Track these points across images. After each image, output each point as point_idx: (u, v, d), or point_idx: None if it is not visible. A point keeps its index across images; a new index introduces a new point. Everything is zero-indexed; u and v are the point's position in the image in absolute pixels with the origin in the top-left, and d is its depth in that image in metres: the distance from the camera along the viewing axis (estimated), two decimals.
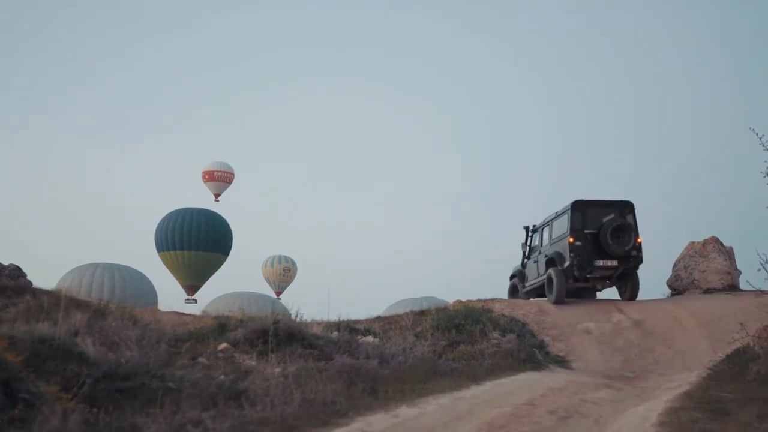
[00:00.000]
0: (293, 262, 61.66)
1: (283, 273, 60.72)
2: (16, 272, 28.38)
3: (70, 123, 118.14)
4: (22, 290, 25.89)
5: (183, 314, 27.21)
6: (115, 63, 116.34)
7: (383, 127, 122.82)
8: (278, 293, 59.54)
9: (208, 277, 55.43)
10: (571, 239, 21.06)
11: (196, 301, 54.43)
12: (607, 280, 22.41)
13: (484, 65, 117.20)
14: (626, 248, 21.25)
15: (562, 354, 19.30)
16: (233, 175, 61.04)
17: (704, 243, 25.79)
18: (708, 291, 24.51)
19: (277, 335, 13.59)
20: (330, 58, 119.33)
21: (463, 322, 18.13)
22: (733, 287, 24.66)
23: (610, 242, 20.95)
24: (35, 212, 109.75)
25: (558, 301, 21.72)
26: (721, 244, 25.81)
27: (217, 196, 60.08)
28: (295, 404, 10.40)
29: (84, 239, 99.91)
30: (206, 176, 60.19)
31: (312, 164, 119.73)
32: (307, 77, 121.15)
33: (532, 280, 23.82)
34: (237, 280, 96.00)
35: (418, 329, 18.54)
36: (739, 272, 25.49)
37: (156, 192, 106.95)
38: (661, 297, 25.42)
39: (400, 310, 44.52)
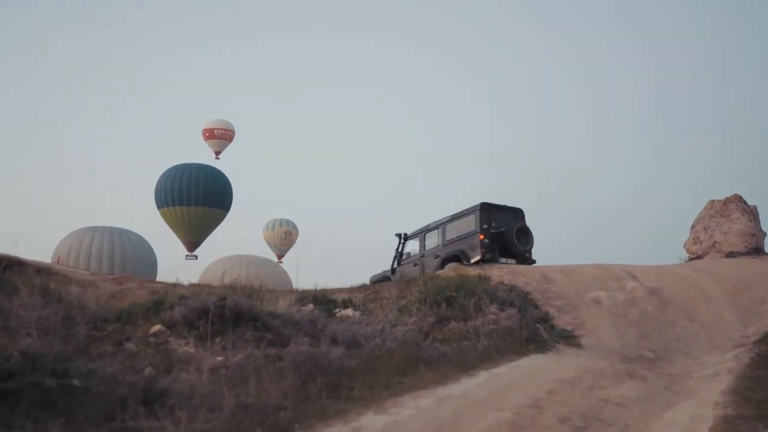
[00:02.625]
0: (294, 226, 60.54)
1: (284, 236, 59.48)
2: None
3: (66, 77, 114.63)
4: None
5: (169, 284, 25.00)
6: (109, 14, 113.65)
7: (387, 83, 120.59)
8: (279, 257, 58.70)
9: (209, 233, 54.03)
10: (482, 236, 22.70)
11: (196, 257, 53.89)
12: None
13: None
14: (526, 248, 23.41)
15: (569, 328, 16.99)
16: (233, 132, 59.45)
17: (725, 201, 23.48)
18: (730, 255, 22.25)
19: (222, 315, 11.01)
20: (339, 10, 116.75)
21: (454, 294, 15.43)
22: (758, 250, 22.39)
23: (516, 242, 22.96)
24: (32, 175, 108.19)
25: None
26: (745, 202, 23.46)
27: (217, 153, 58.45)
28: (225, 412, 7.93)
29: (82, 202, 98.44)
30: (206, 134, 58.60)
31: (315, 123, 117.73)
32: (310, 35, 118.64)
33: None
34: (238, 242, 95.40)
35: (403, 302, 15.89)
36: (764, 234, 23.07)
37: (156, 150, 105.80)
38: (679, 261, 23.06)
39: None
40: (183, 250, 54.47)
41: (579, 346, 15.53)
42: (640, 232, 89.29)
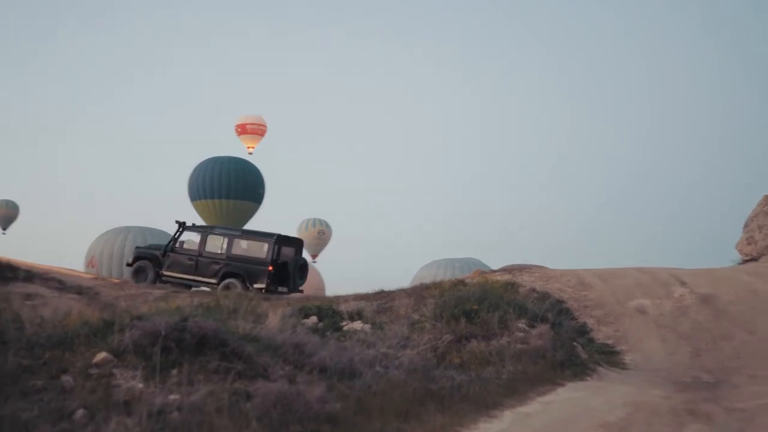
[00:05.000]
0: (328, 225, 60.86)
1: (318, 236, 59.80)
2: None
3: (98, 75, 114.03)
4: None
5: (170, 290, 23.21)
6: (142, 9, 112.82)
7: (422, 81, 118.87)
8: (314, 256, 59.07)
9: (242, 226, 50.86)
10: (271, 267, 23.86)
11: None
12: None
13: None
14: (302, 281, 25.35)
15: (610, 342, 15.13)
16: (266, 127, 59.32)
17: None
18: None
19: (181, 340, 8.82)
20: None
21: (476, 307, 13.09)
22: None
23: (295, 276, 24.67)
24: (66, 172, 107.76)
25: None
26: None
27: (250, 148, 58.23)
28: None
29: (117, 197, 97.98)
30: (239, 129, 58.58)
31: (351, 122, 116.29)
32: (350, 34, 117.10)
33: (181, 273, 25.09)
34: None
35: (416, 317, 13.62)
36: None
37: (189, 146, 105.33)
38: (731, 264, 20.83)
39: (431, 273, 41.94)
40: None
41: (623, 365, 13.47)
42: (686, 232, 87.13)
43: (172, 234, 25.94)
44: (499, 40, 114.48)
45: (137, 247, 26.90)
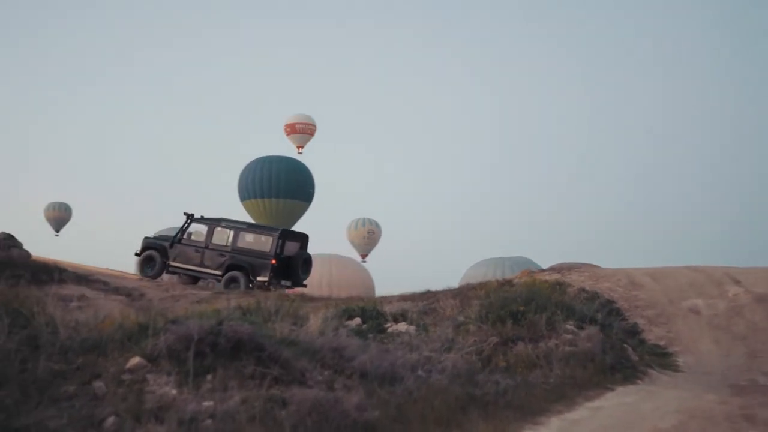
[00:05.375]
0: (377, 225, 60.41)
1: (368, 236, 59.43)
2: (7, 242, 24.54)
3: (148, 76, 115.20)
4: (13, 263, 22.27)
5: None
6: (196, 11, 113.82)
7: (471, 80, 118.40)
8: (363, 256, 58.85)
9: (292, 225, 52.41)
10: (274, 261, 24.40)
11: None
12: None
13: None
14: (306, 276, 25.95)
15: (662, 344, 14.68)
16: (315, 127, 59.61)
17: None
18: None
19: (216, 345, 8.58)
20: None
21: (522, 308, 12.70)
22: None
23: (299, 270, 25.29)
24: (117, 174, 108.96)
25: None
26: None
27: (299, 148, 58.64)
28: None
29: (168, 198, 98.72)
30: (288, 129, 58.91)
31: (398, 119, 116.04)
32: (401, 33, 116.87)
33: (187, 264, 25.66)
34: (321, 240, 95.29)
35: (461, 318, 13.25)
36: None
37: (239, 146, 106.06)
38: None
39: (480, 273, 41.60)
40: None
41: (675, 368, 13.00)
42: (741, 230, 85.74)
43: (181, 226, 26.29)
44: (555, 38, 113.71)
45: (146, 237, 27.01)
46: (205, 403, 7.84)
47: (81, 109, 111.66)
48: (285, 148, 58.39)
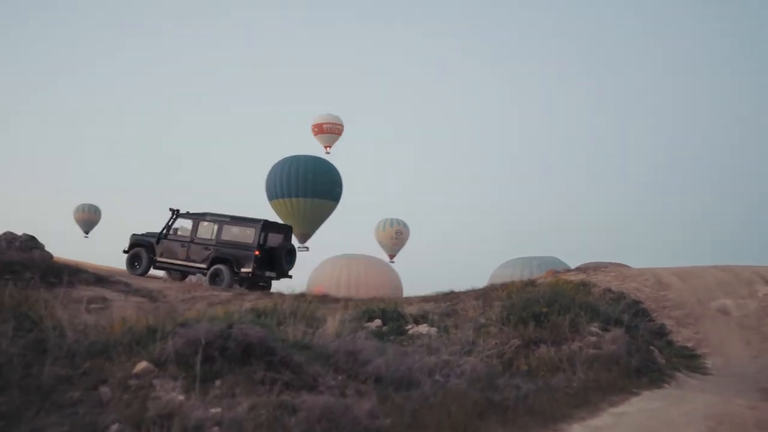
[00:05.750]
0: (405, 225, 60.23)
1: (395, 236, 59.19)
2: (29, 243, 24.51)
3: (171, 74, 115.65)
4: (34, 264, 22.20)
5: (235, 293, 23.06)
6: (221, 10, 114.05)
7: (496, 78, 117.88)
8: (391, 256, 58.58)
9: (320, 225, 54.62)
10: (258, 252, 24.93)
11: (308, 249, 54.08)
12: (261, 282, 26.17)
13: None
14: (290, 266, 26.42)
15: (690, 345, 14.33)
16: (342, 127, 59.49)
17: None
18: None
19: (225, 349, 8.31)
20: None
21: (545, 309, 12.34)
22: None
23: (283, 261, 25.72)
24: (145, 175, 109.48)
25: (225, 289, 24.36)
26: None
27: (327, 148, 58.46)
28: None
29: (194, 200, 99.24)
30: (316, 129, 58.92)
31: (425, 119, 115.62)
32: (427, 32, 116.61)
33: (173, 259, 26.24)
34: (350, 240, 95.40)
35: (482, 320, 12.91)
36: None
37: (266, 146, 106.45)
38: None
39: (508, 272, 41.28)
40: (294, 242, 54.47)
41: (703, 370, 12.63)
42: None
43: (166, 221, 26.63)
44: (583, 36, 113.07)
45: (133, 234, 27.32)
46: (213, 410, 7.56)
47: (111, 110, 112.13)
48: (313, 147, 58.31)
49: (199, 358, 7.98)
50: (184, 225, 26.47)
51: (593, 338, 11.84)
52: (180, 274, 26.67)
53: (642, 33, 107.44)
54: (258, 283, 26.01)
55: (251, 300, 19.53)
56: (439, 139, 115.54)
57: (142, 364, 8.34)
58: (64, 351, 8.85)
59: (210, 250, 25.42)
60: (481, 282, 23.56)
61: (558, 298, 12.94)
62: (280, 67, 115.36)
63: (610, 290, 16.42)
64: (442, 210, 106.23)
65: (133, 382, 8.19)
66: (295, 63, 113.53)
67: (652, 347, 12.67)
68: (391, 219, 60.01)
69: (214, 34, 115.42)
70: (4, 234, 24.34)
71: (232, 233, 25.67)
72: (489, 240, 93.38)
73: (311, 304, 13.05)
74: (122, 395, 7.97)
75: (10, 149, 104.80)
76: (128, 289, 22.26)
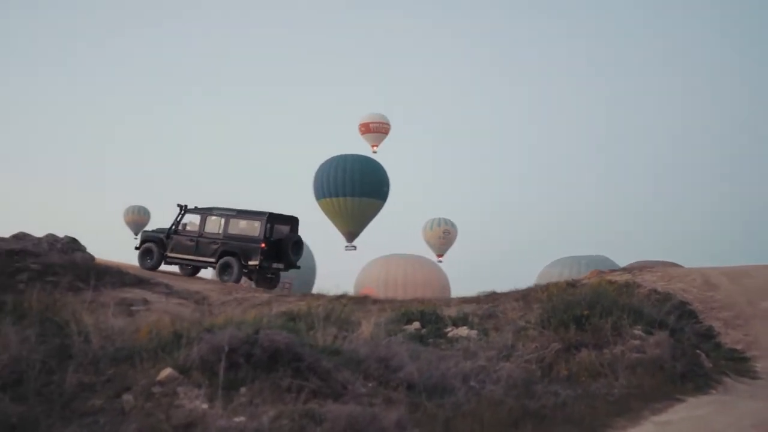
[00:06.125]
0: (453, 225, 60.06)
1: (443, 236, 59.01)
2: (70, 245, 24.51)
3: (221, 75, 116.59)
4: (75, 266, 22.20)
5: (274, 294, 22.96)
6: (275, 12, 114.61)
7: (543, 77, 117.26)
8: (439, 256, 58.38)
9: (367, 224, 55.00)
10: (263, 245, 25.14)
11: (355, 248, 55.52)
12: (268, 274, 26.71)
13: None
14: (297, 257, 26.58)
15: (739, 348, 13.83)
16: (389, 126, 59.69)
17: None
18: None
19: (251, 355, 8.06)
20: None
21: (586, 312, 11.91)
22: None
23: (289, 252, 25.85)
24: (193, 176, 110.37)
25: (236, 281, 25.21)
26: None
27: (374, 147, 58.65)
28: None
29: (241, 201, 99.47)
30: (362, 128, 59.12)
31: (472, 118, 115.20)
32: (477, 32, 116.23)
33: (183, 254, 26.60)
34: (397, 239, 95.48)
35: (521, 323, 12.53)
36: None
37: (313, 146, 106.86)
38: None
39: (556, 271, 40.80)
40: (342, 241, 55.68)
41: (753, 375, 12.19)
42: None
43: (175, 217, 27.09)
44: (646, 29, 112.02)
45: (144, 231, 28.52)
46: (236, 419, 7.35)
47: (160, 110, 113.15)
48: (360, 147, 58.41)
49: (222, 365, 7.74)
50: (193, 220, 26.85)
51: (636, 342, 11.40)
52: (192, 269, 26.97)
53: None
54: (266, 275, 26.58)
55: (291, 301, 19.34)
56: (487, 137, 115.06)
57: (167, 371, 8.15)
58: (89, 357, 8.69)
59: (218, 244, 25.75)
60: (529, 281, 23.22)
61: (600, 299, 12.48)
62: (328, 67, 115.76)
63: (656, 291, 15.98)
64: (491, 209, 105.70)
65: (156, 389, 8.00)
66: (343, 62, 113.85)
67: (698, 351, 12.20)
68: (439, 218, 59.82)
69: (263, 33, 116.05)
70: (46, 236, 24.37)
71: (239, 227, 26.06)
72: (538, 238, 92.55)
73: (346, 306, 12.77)
74: (145, 403, 7.78)
75: (62, 150, 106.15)
76: (169, 291, 22.21)
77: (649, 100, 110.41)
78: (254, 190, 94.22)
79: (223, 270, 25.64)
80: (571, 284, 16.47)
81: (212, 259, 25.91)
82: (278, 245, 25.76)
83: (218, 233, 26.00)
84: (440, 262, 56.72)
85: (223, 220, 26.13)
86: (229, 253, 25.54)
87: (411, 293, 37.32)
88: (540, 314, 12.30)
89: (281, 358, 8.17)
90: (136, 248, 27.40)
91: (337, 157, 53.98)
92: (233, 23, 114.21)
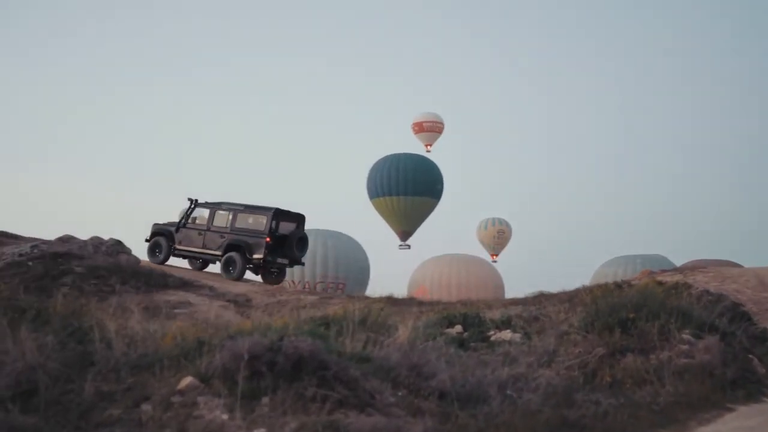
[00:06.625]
0: (508, 224, 59.91)
1: (498, 235, 58.84)
2: (115, 248, 24.45)
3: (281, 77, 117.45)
4: (120, 269, 22.13)
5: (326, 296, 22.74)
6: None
7: (599, 75, 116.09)
8: (494, 256, 58.30)
9: (421, 222, 55.35)
10: (269, 239, 25.64)
11: (409, 246, 55.86)
12: (273, 269, 27.27)
13: None
14: (302, 254, 27.37)
15: None
16: (443, 125, 59.87)
17: None
18: None
19: (274, 364, 7.71)
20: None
21: (632, 315, 11.37)
22: None
23: (294, 248, 26.42)
24: (250, 177, 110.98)
25: (238, 278, 25.62)
26: None
27: (428, 146, 59.01)
28: None
29: (295, 201, 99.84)
30: (416, 128, 59.39)
31: (527, 116, 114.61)
32: (530, 31, 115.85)
33: (191, 247, 27.19)
34: (451, 239, 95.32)
35: (564, 327, 12.00)
36: None
37: (367, 145, 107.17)
38: None
39: (611, 271, 40.18)
40: (396, 240, 56.11)
41: None
42: None
43: (185, 210, 27.87)
44: (699, 39, 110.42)
45: (155, 224, 28.24)
46: (257, 431, 7.03)
47: (221, 111, 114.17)
48: (413, 147, 58.47)
49: (241, 374, 7.41)
50: (202, 214, 27.47)
51: (685, 346, 10.85)
52: (201, 263, 27.47)
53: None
54: (270, 270, 27.09)
55: (335, 303, 19.03)
56: (542, 135, 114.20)
57: (187, 380, 7.83)
58: (111, 364, 8.42)
59: (224, 237, 26.26)
60: (584, 281, 22.66)
61: (647, 302, 11.94)
62: (382, 67, 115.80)
63: (708, 292, 15.35)
64: (546, 208, 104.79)
65: (176, 399, 7.68)
66: (397, 62, 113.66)
67: (750, 355, 11.61)
68: (493, 218, 59.59)
69: (316, 34, 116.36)
70: (91, 239, 24.31)
71: (246, 221, 26.57)
72: (595, 237, 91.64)
73: (383, 310, 12.36)
74: (164, 413, 7.48)
75: (111, 152, 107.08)
76: (213, 294, 22.08)
77: (711, 93, 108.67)
78: (307, 191, 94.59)
79: (228, 264, 26.16)
80: (619, 285, 15.90)
81: (218, 252, 26.38)
82: (283, 241, 26.22)
83: (225, 227, 26.52)
84: (495, 262, 56.52)
85: (230, 215, 26.71)
86: (235, 246, 26.04)
87: (465, 294, 37.07)
88: (584, 317, 11.78)
89: (306, 367, 7.81)
90: (146, 240, 27.76)
91: (391, 156, 54.08)
92: (288, 23, 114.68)
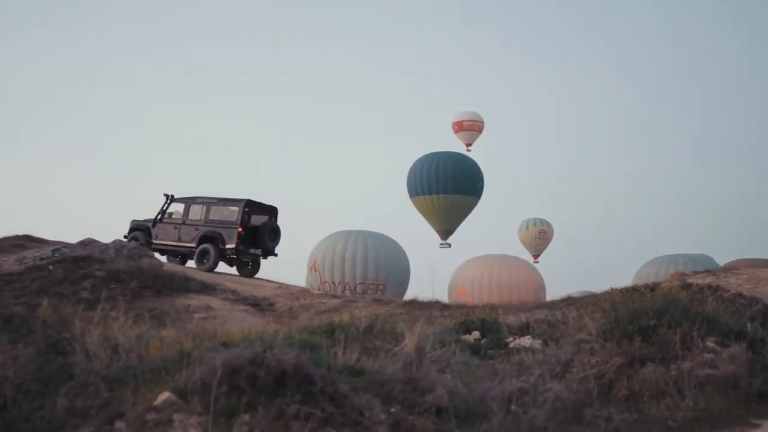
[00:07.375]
0: (549, 224, 60.15)
1: (539, 236, 59.26)
2: (137, 251, 24.32)
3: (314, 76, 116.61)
4: (142, 273, 21.99)
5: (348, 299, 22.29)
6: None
7: (640, 75, 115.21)
8: (535, 257, 58.65)
9: (461, 221, 55.54)
10: (240, 229, 27.17)
11: (450, 245, 56.04)
12: (245, 259, 28.52)
13: None
14: (274, 244, 28.57)
15: None
16: (483, 124, 60.23)
17: None
18: None
19: (256, 378, 7.20)
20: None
21: (653, 322, 10.64)
22: None
23: (266, 239, 27.97)
24: (292, 178, 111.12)
25: (210, 270, 26.86)
26: None
27: (468, 145, 59.49)
28: None
29: (335, 201, 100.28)
30: (456, 127, 59.78)
31: (567, 116, 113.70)
32: (571, 31, 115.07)
33: (167, 241, 28.66)
34: (492, 240, 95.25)
35: (580, 335, 11.29)
36: None
37: (407, 144, 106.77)
38: None
39: (652, 271, 39.42)
40: (437, 239, 56.56)
41: None
42: None
43: (161, 206, 29.21)
44: (732, 36, 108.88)
45: (133, 220, 29.69)
46: None
47: (245, 109, 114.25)
48: (454, 146, 58.65)
49: (214, 390, 6.91)
50: (178, 209, 29.05)
51: (708, 355, 10.10)
52: (180, 259, 28.74)
53: None
54: (244, 260, 28.46)
55: (359, 307, 18.55)
56: (583, 134, 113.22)
57: (164, 395, 7.36)
58: (90, 378, 7.99)
59: (199, 230, 27.86)
60: (626, 282, 22.00)
61: (669, 308, 11.17)
62: (423, 66, 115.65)
63: (741, 295, 14.63)
64: (588, 207, 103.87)
65: (151, 416, 7.20)
66: (437, 61, 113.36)
67: None
68: (534, 219, 59.83)
69: (361, 34, 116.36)
70: (113, 242, 24.27)
71: (219, 213, 28.13)
72: (638, 237, 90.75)
73: (391, 316, 11.84)
74: None
75: (133, 154, 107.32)
76: (235, 297, 21.87)
77: (753, 92, 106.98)
78: (346, 189, 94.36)
79: (202, 256, 27.57)
80: (651, 288, 15.17)
81: (192, 244, 27.85)
82: (255, 231, 27.82)
83: (200, 220, 28.08)
84: (536, 263, 56.22)
85: (204, 208, 28.21)
86: (208, 238, 27.57)
87: (506, 295, 36.71)
88: (602, 324, 11.07)
89: (289, 381, 7.29)
90: (125, 236, 28.71)
91: (431, 154, 54.07)
92: (331, 23, 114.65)
